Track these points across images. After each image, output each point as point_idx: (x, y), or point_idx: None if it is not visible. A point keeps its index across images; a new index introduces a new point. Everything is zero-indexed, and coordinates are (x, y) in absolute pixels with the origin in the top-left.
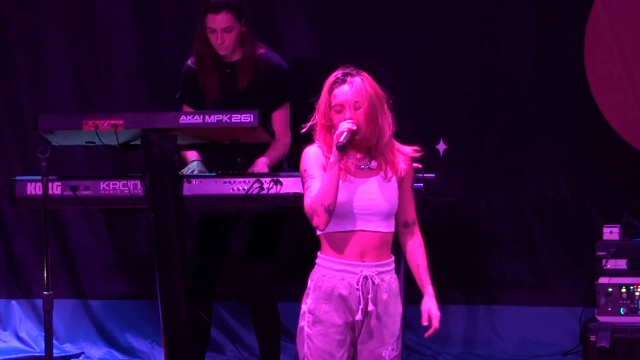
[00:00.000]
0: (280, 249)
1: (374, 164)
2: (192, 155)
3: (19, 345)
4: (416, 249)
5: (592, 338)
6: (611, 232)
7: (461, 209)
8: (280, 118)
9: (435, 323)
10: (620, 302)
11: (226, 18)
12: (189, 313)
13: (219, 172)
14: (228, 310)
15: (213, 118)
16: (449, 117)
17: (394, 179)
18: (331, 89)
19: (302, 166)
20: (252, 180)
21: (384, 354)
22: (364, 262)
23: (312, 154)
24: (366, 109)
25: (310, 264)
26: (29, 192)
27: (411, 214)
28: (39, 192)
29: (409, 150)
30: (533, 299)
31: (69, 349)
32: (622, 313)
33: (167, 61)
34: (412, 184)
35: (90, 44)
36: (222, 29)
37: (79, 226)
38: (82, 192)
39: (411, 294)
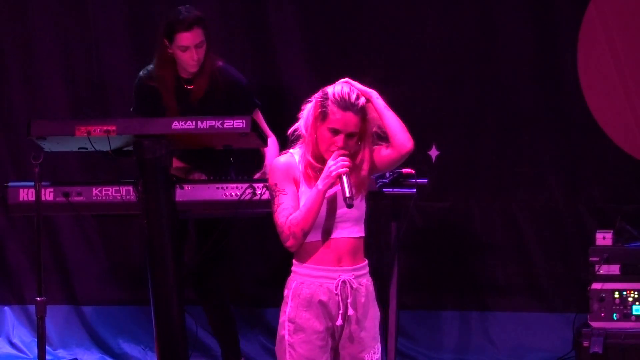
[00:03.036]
0: (230, 253)
1: None
2: (178, 164)
3: (12, 351)
4: None
5: (585, 344)
6: (604, 238)
7: (454, 215)
8: None
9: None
10: (613, 307)
11: (198, 33)
12: (181, 319)
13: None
14: None
15: (205, 124)
16: (441, 123)
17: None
18: (334, 108)
19: (272, 180)
20: (245, 185)
21: (366, 358)
22: (340, 267)
23: (282, 167)
24: (357, 138)
25: None
26: (21, 198)
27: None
28: (32, 198)
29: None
30: (526, 304)
31: (62, 354)
32: (615, 318)
33: None
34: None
35: (83, 49)
36: (195, 45)
37: (72, 232)
38: (75, 198)
39: (402, 300)
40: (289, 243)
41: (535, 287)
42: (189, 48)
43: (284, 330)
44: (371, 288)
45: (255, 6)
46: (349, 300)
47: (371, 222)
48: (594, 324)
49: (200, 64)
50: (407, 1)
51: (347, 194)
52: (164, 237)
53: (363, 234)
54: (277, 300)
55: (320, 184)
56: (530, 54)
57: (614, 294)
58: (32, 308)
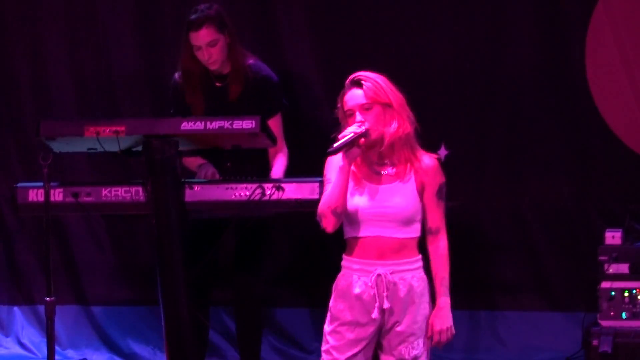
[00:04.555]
0: (268, 256)
1: (392, 170)
2: (197, 160)
3: (21, 352)
4: (437, 259)
5: (595, 343)
6: (613, 237)
7: (463, 214)
8: (273, 128)
9: (439, 337)
10: (623, 306)
11: (208, 32)
12: (191, 319)
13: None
14: (230, 315)
15: (215, 124)
16: (450, 122)
17: (413, 184)
18: (342, 96)
19: (324, 172)
20: (254, 186)
21: (403, 352)
22: (380, 261)
23: (334, 161)
24: (374, 110)
25: (312, 270)
26: (30, 199)
27: (434, 221)
28: (41, 198)
29: (429, 159)
30: (535, 304)
31: (71, 355)
32: (625, 317)
33: (169, 67)
34: (436, 192)
35: (92, 50)
36: (206, 44)
37: (81, 232)
38: (84, 198)
39: None
40: (323, 224)
41: (544, 286)
42: (201, 47)
43: (325, 320)
44: (417, 284)
45: (263, 1)
46: (385, 294)
47: None
48: (603, 323)
49: (220, 63)
50: (415, 2)
51: (336, 143)
52: (173, 237)
53: (413, 235)
54: (286, 300)
55: (340, 160)
56: (538, 53)
57: (623, 292)
58: (41, 308)
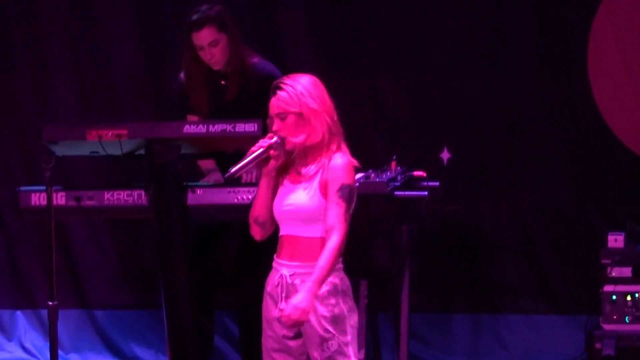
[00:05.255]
0: (270, 259)
1: (305, 170)
2: (208, 164)
3: (24, 356)
4: (321, 253)
5: (598, 346)
6: (616, 240)
7: (465, 217)
8: None
9: (288, 311)
10: (626, 309)
11: (209, 32)
12: (193, 322)
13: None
14: (232, 318)
15: (217, 127)
16: (452, 126)
17: (317, 182)
18: (269, 102)
19: None
20: (256, 189)
21: (316, 355)
22: (289, 261)
23: None
24: (289, 119)
25: None
26: (33, 203)
27: (329, 219)
28: (43, 202)
29: (340, 159)
30: (537, 307)
31: (74, 359)
32: (627, 321)
33: (171, 70)
34: (336, 191)
35: (93, 53)
36: (208, 44)
37: (84, 236)
38: (86, 202)
39: (414, 302)
40: (251, 232)
41: (546, 290)
42: (203, 47)
43: None
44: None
45: (263, 2)
46: (282, 295)
47: (382, 224)
48: (606, 327)
49: (223, 62)
50: (416, 5)
51: (233, 167)
52: (175, 241)
53: (319, 235)
54: None
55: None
56: (540, 55)
57: (626, 296)
58: (44, 312)
